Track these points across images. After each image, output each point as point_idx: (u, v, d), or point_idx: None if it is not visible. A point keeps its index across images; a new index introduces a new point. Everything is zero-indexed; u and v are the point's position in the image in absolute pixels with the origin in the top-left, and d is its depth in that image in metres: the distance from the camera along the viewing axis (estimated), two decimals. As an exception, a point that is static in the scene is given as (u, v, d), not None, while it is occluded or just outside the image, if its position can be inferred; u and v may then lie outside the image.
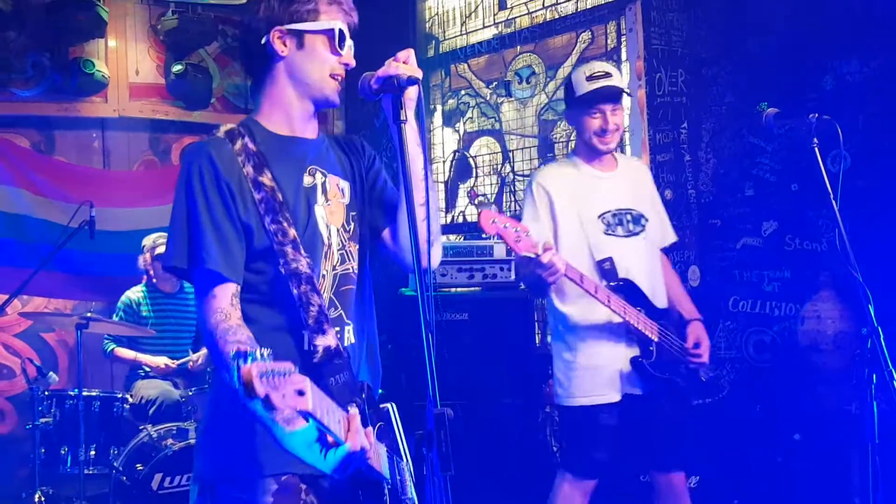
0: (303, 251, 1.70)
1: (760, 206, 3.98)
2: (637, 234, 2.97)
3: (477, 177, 5.51)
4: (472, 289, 4.42)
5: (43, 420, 4.03)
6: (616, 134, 2.94)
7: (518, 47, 5.20)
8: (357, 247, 1.85)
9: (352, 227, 1.84)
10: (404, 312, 4.64)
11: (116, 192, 5.44)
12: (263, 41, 1.76)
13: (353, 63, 1.82)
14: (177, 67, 5.33)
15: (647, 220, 3.01)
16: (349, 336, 1.83)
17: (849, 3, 3.64)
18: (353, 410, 1.53)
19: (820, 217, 3.68)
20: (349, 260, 1.83)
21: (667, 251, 3.29)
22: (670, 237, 3.20)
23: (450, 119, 5.72)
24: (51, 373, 4.20)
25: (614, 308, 2.79)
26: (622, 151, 3.77)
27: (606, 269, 2.87)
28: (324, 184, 1.81)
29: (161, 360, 4.58)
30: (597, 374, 2.88)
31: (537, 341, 4.84)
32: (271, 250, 1.69)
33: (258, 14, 1.77)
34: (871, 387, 1.95)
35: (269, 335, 1.68)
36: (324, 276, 1.77)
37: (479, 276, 4.38)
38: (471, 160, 5.57)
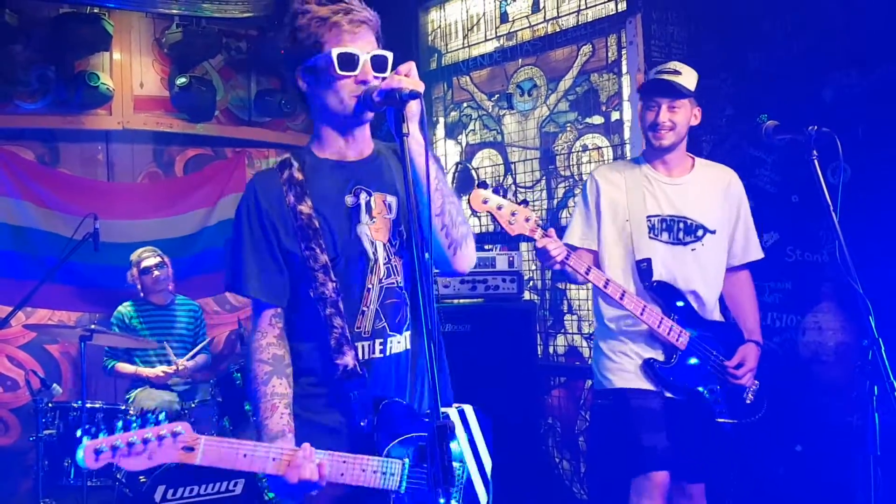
0: (332, 275, 1.85)
1: (761, 218, 3.95)
2: (687, 243, 2.94)
3: (486, 184, 5.52)
4: (475, 300, 4.43)
5: (47, 432, 4.04)
6: (670, 132, 2.91)
7: (520, 60, 5.23)
8: (402, 260, 1.95)
9: (398, 241, 1.95)
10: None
11: (120, 205, 5.47)
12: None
13: (369, 77, 1.85)
14: (181, 80, 5.37)
15: (708, 231, 2.97)
16: (396, 346, 1.96)
17: (847, 15, 3.66)
18: (304, 445, 1.77)
19: (820, 228, 3.68)
20: (394, 274, 1.94)
21: None
22: (753, 254, 3.13)
23: (452, 131, 5.75)
24: (54, 384, 4.21)
25: (627, 306, 2.79)
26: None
27: (643, 269, 2.88)
28: (368, 202, 1.91)
29: (158, 370, 4.60)
30: (623, 357, 2.92)
31: (539, 353, 4.84)
32: (306, 276, 1.86)
33: (281, 56, 1.93)
34: (873, 398, 1.96)
35: (303, 353, 1.93)
36: (369, 289, 1.91)
37: (482, 287, 4.39)
38: (473, 172, 5.59)
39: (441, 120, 5.81)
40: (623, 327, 2.96)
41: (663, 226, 2.94)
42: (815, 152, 2.35)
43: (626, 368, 2.92)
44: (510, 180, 5.31)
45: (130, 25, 5.48)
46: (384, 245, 1.92)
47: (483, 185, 2.62)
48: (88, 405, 4.09)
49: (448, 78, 5.72)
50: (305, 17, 1.85)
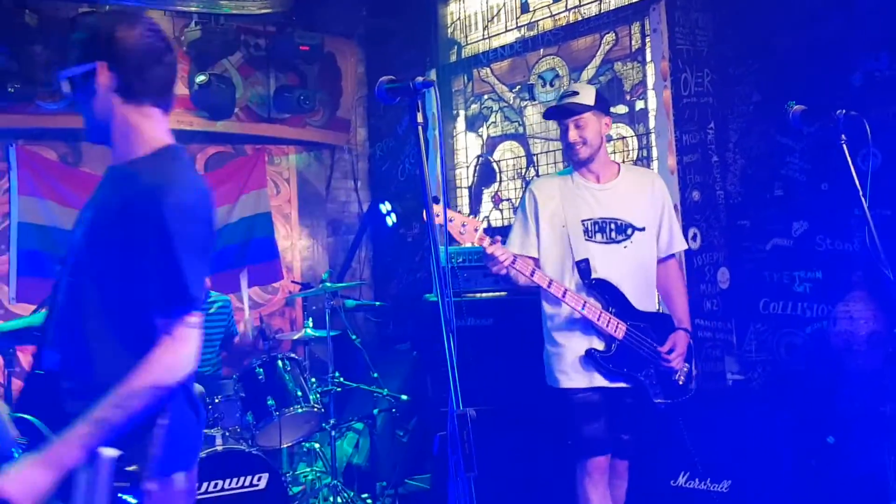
0: None
1: (790, 206, 3.91)
2: (619, 241, 3.22)
3: (501, 181, 5.49)
4: (497, 293, 4.38)
5: (71, 429, 4.04)
6: (584, 147, 3.22)
7: (541, 50, 5.17)
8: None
9: None
10: (427, 318, 4.62)
11: (142, 203, 5.48)
12: None
13: None
14: (200, 78, 5.36)
15: (637, 229, 3.23)
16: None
17: (877, -3, 3.58)
18: None
19: (851, 216, 3.60)
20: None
21: (694, 253, 3.60)
22: (677, 245, 3.38)
23: (473, 124, 5.70)
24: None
25: (569, 303, 3.09)
26: (641, 159, 4.11)
27: (582, 268, 3.15)
28: None
29: None
30: (565, 360, 3.20)
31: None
32: None
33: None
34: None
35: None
36: None
37: (504, 280, 4.33)
38: (494, 165, 5.54)
39: (461, 112, 5.77)
40: (562, 325, 3.23)
41: (596, 228, 3.23)
42: (843, 137, 2.30)
43: (568, 369, 3.20)
44: (532, 172, 5.25)
45: (150, 24, 5.48)
46: None
47: (435, 199, 2.74)
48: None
49: (468, 70, 5.68)
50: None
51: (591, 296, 3.16)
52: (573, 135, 3.21)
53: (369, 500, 4.69)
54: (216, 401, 4.34)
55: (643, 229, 3.25)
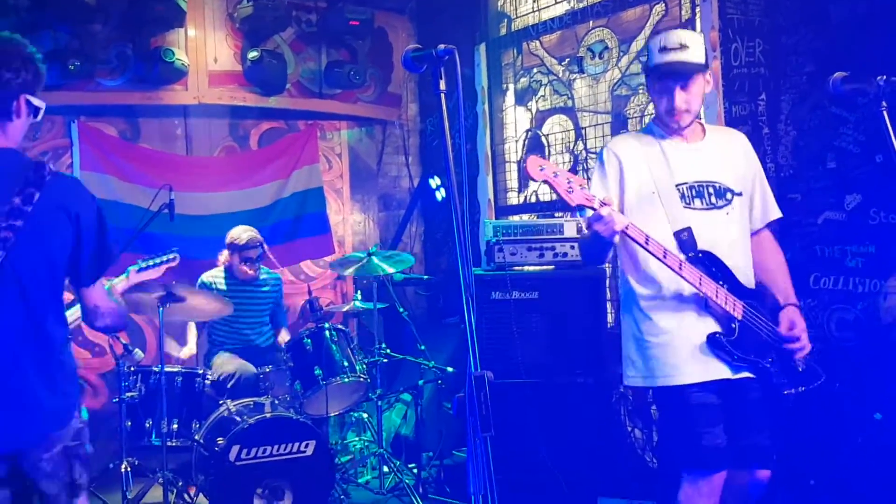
0: None
1: (843, 179, 3.80)
2: (720, 207, 2.78)
3: (550, 155, 5.46)
4: (544, 267, 4.39)
5: (129, 394, 4.21)
6: (687, 114, 2.78)
7: (590, 22, 5.11)
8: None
9: None
10: (476, 292, 4.66)
11: (198, 178, 5.63)
12: None
13: None
14: (252, 54, 5.45)
15: (735, 193, 2.82)
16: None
17: (938, -40, 3.44)
18: None
19: (906, 188, 3.50)
20: None
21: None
22: (773, 213, 2.97)
23: (522, 98, 5.68)
24: (136, 349, 4.38)
25: (687, 277, 2.63)
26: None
27: (684, 239, 2.70)
28: None
29: None
30: (675, 350, 2.71)
31: (610, 321, 4.77)
32: None
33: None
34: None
35: None
36: None
37: (550, 254, 4.34)
38: (543, 139, 5.52)
39: (511, 86, 5.75)
40: (665, 307, 2.76)
41: (693, 192, 2.79)
42: (884, 104, 2.21)
43: (681, 358, 2.71)
44: (581, 146, 5.22)
45: (203, 1, 5.59)
46: None
47: (534, 152, 2.52)
48: (168, 369, 4.25)
49: (518, 43, 5.64)
50: None
51: (700, 270, 2.69)
52: (680, 100, 2.74)
53: (416, 470, 4.77)
54: (266, 370, 4.47)
55: (741, 194, 2.84)
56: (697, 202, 2.78)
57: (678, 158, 2.81)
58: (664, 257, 2.62)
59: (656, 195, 2.76)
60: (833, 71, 2.44)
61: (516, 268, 4.42)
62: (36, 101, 2.19)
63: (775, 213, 2.98)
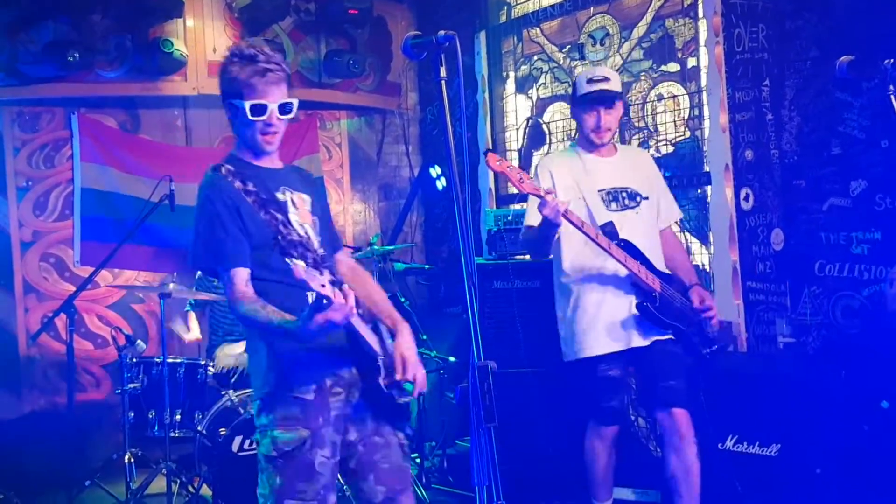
0: (291, 227, 2.35)
1: (848, 165, 3.78)
2: (632, 208, 3.37)
3: (550, 143, 5.43)
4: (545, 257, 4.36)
5: (131, 385, 4.20)
6: (609, 132, 3.38)
7: (591, 9, 5.07)
8: (320, 239, 2.48)
9: (316, 226, 2.49)
10: (477, 281, 4.63)
11: (198, 169, 5.53)
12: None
13: (272, 119, 2.36)
14: (252, 43, 5.42)
15: (643, 197, 3.41)
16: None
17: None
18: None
19: (912, 173, 3.47)
20: (321, 247, 2.45)
21: (747, 214, 3.84)
22: (675, 214, 3.60)
23: (522, 86, 5.64)
24: (139, 341, 4.38)
25: (615, 255, 3.14)
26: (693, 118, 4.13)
27: (608, 231, 3.21)
28: (292, 198, 2.46)
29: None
30: (596, 327, 3.28)
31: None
32: (271, 232, 2.25)
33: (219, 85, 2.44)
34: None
35: (283, 290, 2.32)
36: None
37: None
38: (544, 127, 5.49)
39: (511, 74, 5.71)
40: (587, 289, 3.31)
41: (611, 197, 3.37)
42: (892, 88, 2.19)
43: (595, 333, 3.29)
44: (583, 134, 5.18)
45: (202, -9, 5.56)
46: (309, 226, 2.45)
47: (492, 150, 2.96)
48: (170, 360, 4.24)
49: (518, 31, 5.61)
50: (232, 71, 2.37)
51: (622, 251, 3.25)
52: (604, 121, 3.33)
53: (418, 460, 4.77)
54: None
55: (648, 198, 3.42)
56: (614, 204, 3.37)
57: (598, 169, 3.40)
58: (597, 237, 3.14)
59: (582, 200, 3.32)
60: (837, 56, 2.42)
61: (518, 257, 4.40)
62: None
63: (677, 215, 3.64)
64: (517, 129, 5.67)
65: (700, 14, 4.38)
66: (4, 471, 4.48)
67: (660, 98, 4.71)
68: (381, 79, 6.25)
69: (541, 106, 5.49)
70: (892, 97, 2.19)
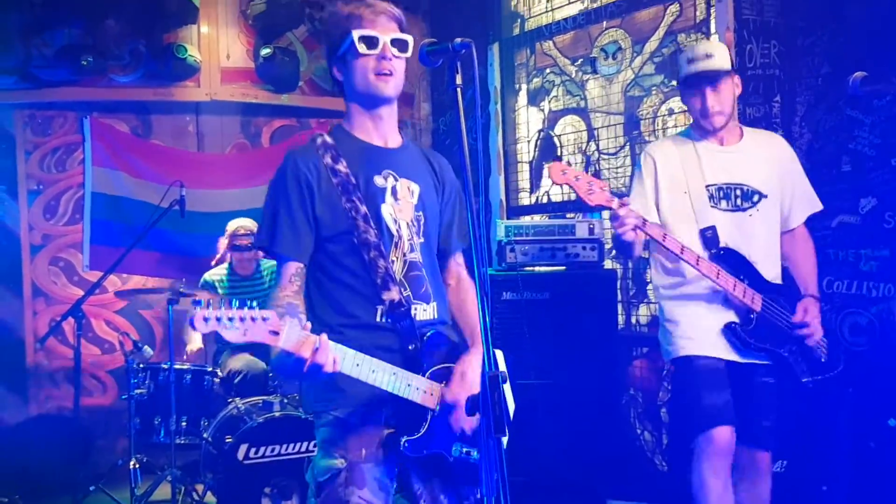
0: (372, 224, 2.06)
1: (858, 182, 3.77)
2: (744, 209, 3.00)
3: (562, 156, 5.43)
4: (555, 268, 4.37)
5: (138, 391, 4.21)
6: (720, 116, 2.99)
7: (604, 22, 5.08)
8: (422, 240, 2.17)
9: (415, 225, 2.16)
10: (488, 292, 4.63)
11: (209, 175, 5.63)
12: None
13: (389, 55, 2.06)
14: (265, 51, 5.45)
15: (763, 196, 3.02)
16: (422, 313, 2.13)
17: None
18: (323, 335, 1.87)
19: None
20: (416, 250, 2.15)
21: None
22: (810, 208, 3.17)
23: (535, 98, 5.65)
24: (146, 346, 4.38)
25: (704, 271, 2.85)
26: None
27: (708, 237, 2.93)
28: (394, 186, 2.14)
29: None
30: (694, 336, 2.97)
31: (621, 323, 4.74)
32: (346, 225, 2.04)
33: (326, 56, 2.18)
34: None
35: (344, 300, 2.09)
36: (394, 261, 2.10)
37: (562, 255, 4.31)
38: (556, 139, 5.49)
39: (524, 87, 5.72)
40: (682, 297, 3.03)
41: (721, 194, 3.01)
42: (901, 104, 2.18)
43: (692, 336, 2.98)
44: (593, 147, 5.19)
45: (217, -2, 5.60)
46: (407, 224, 2.13)
47: (557, 158, 2.81)
48: (177, 366, 4.25)
49: (531, 43, 5.62)
50: (333, 16, 2.11)
51: (720, 266, 2.91)
52: (712, 101, 2.96)
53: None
54: (275, 368, 4.46)
55: (767, 196, 3.03)
56: (724, 203, 3.00)
57: (710, 160, 3.03)
58: (681, 253, 2.85)
59: (687, 195, 3.00)
60: (848, 73, 2.43)
61: (528, 268, 4.40)
62: None
63: (814, 207, 3.18)
64: (529, 141, 5.67)
65: (712, 30, 4.39)
66: (10, 474, 4.49)
67: (671, 112, 4.71)
68: (394, 89, 6.27)
69: (552, 118, 5.49)
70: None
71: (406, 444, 2.00)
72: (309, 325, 1.89)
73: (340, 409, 2.05)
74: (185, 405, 4.27)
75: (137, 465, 4.10)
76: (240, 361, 4.49)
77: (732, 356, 2.94)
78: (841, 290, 3.81)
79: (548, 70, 5.52)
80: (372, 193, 2.09)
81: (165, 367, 4.24)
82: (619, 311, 4.63)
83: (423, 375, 2.06)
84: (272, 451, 3.91)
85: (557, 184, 2.82)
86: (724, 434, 2.85)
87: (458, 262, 2.35)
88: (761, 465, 3.00)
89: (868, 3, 3.71)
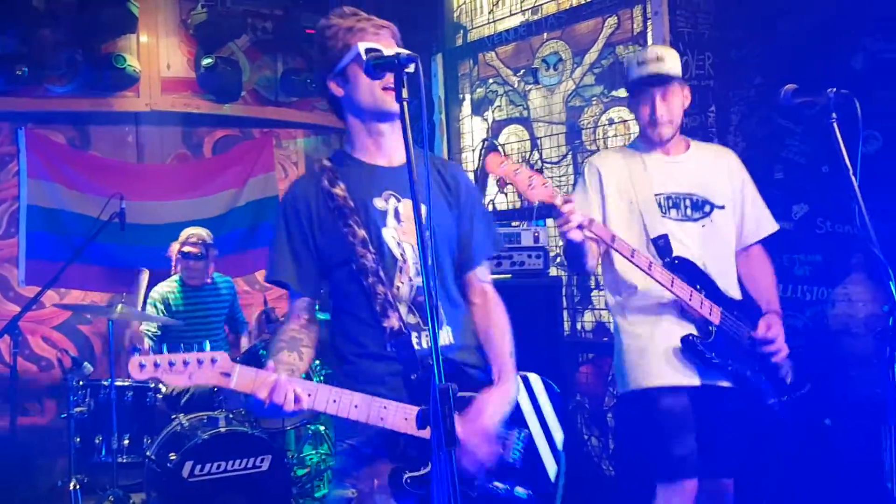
0: (371, 248, 1.98)
1: (790, 190, 3.89)
2: (696, 219, 2.84)
3: (501, 148, 5.49)
4: (501, 276, 4.40)
5: (78, 409, 4.11)
6: (668, 126, 2.83)
7: (545, 34, 5.16)
8: (431, 262, 2.00)
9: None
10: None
11: (149, 186, 5.54)
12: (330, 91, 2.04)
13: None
14: (206, 61, 5.39)
15: (716, 206, 2.88)
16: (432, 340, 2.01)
17: (881, -23, 3.55)
18: (280, 376, 1.83)
19: (851, 199, 3.58)
20: (419, 274, 2.02)
21: None
22: (767, 228, 3.04)
23: (478, 108, 5.70)
24: (85, 363, 4.28)
25: (657, 278, 2.63)
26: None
27: (661, 245, 2.74)
28: (397, 208, 2.04)
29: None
30: (647, 353, 2.75)
31: (567, 329, 4.81)
32: (349, 251, 1.97)
33: (319, 70, 2.08)
34: (893, 366, 1.90)
35: (350, 329, 2.06)
36: (399, 286, 2.02)
37: (507, 263, 4.35)
38: (500, 149, 5.54)
39: (467, 97, 5.77)
40: (638, 309, 2.82)
41: (670, 203, 2.85)
42: (833, 115, 2.27)
43: (650, 362, 2.75)
44: (536, 156, 5.26)
45: (156, 7, 5.52)
46: (413, 246, 2.02)
47: (492, 146, 2.57)
48: (118, 383, 4.16)
49: (474, 54, 5.67)
50: (332, 29, 2.01)
51: (675, 275, 2.70)
52: (661, 109, 2.78)
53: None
54: (221, 382, 4.39)
55: (723, 207, 2.88)
56: (674, 212, 2.83)
57: (658, 170, 2.87)
58: (632, 256, 2.64)
59: (635, 204, 2.82)
60: (780, 84, 2.50)
61: (492, 276, 4.41)
62: None
63: (770, 228, 3.05)
64: (473, 151, 5.72)
65: (649, 42, 4.49)
66: (-56, 497, 4.34)
67: (611, 122, 4.80)
68: (338, 98, 6.25)
69: (496, 128, 5.55)
70: (834, 124, 2.26)
71: (408, 481, 1.90)
72: (272, 364, 1.86)
73: (355, 439, 2.00)
74: (127, 423, 4.18)
75: (78, 486, 4.00)
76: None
77: (694, 380, 2.71)
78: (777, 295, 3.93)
79: (491, 80, 5.58)
80: (372, 217, 2.00)
81: (106, 383, 4.15)
82: (565, 318, 4.69)
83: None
84: (218, 467, 3.86)
85: (494, 174, 2.52)
86: (690, 486, 2.68)
87: (479, 277, 2.19)
88: (727, 493, 2.83)
89: (798, 17, 3.85)
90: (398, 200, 2.04)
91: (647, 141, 2.92)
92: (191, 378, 1.76)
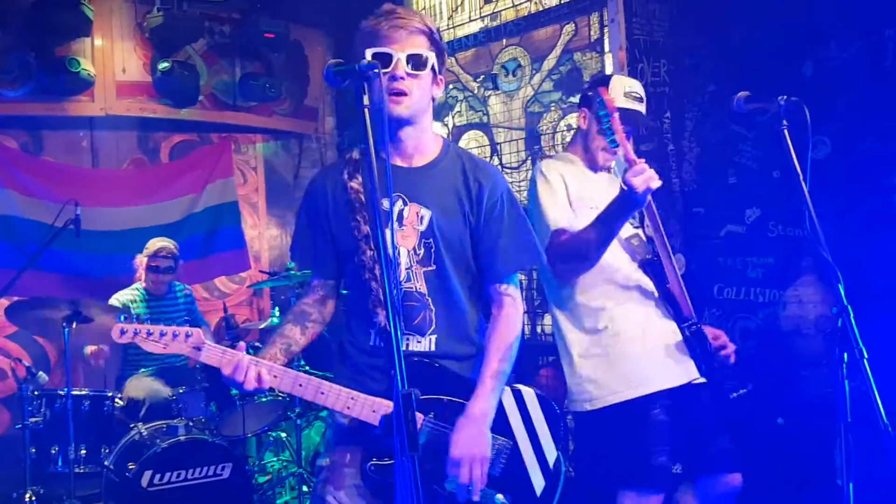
0: (372, 245, 2.02)
1: (743, 194, 3.99)
2: (640, 227, 2.86)
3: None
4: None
5: (33, 420, 4.02)
6: (615, 158, 2.85)
7: (504, 40, 5.21)
8: (433, 268, 2.08)
9: (422, 252, 2.07)
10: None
11: (105, 192, 5.46)
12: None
13: (398, 71, 1.98)
14: (163, 65, 5.33)
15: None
16: (415, 345, 2.08)
17: (828, -12, 3.66)
18: (244, 354, 1.95)
19: (801, 203, 3.68)
20: (414, 280, 2.06)
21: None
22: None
23: (438, 113, 5.73)
24: (40, 372, 4.19)
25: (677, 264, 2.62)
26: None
27: (635, 245, 2.74)
28: (402, 211, 2.07)
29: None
30: (644, 354, 2.65)
31: (527, 332, 4.85)
32: (354, 244, 2.03)
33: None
34: (843, 366, 1.96)
35: (353, 325, 2.14)
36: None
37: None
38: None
39: (426, 102, 5.80)
40: (614, 280, 2.74)
41: None
42: (784, 122, 2.34)
43: (636, 368, 2.65)
44: (496, 161, 5.30)
45: (111, 10, 5.44)
46: (408, 251, 2.05)
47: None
48: (75, 392, 4.08)
49: (433, 60, 5.70)
50: (358, 33, 2.08)
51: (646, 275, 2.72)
52: (629, 146, 2.61)
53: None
54: (180, 391, 4.34)
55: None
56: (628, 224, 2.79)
57: (598, 182, 2.89)
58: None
59: (595, 210, 2.70)
60: (733, 90, 2.56)
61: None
62: None
63: None
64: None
65: (606, 49, 4.57)
66: None
67: (569, 128, 4.86)
68: (298, 103, 6.25)
69: (456, 133, 5.58)
70: (785, 130, 2.33)
71: (371, 468, 1.99)
72: (243, 344, 1.98)
73: (342, 415, 2.06)
74: (83, 432, 4.10)
75: (34, 498, 3.92)
76: (142, 391, 4.32)
77: (681, 378, 2.64)
78: (730, 297, 4.02)
79: (451, 86, 5.61)
80: (378, 216, 1.93)
81: (62, 393, 4.07)
82: (525, 321, 4.74)
83: None
84: (178, 476, 3.82)
85: (610, 111, 2.46)
86: (655, 500, 2.60)
87: (500, 291, 2.12)
88: (736, 489, 2.72)
89: (750, 26, 3.95)
90: (405, 204, 2.07)
91: (590, 163, 2.90)
92: (165, 347, 1.93)
